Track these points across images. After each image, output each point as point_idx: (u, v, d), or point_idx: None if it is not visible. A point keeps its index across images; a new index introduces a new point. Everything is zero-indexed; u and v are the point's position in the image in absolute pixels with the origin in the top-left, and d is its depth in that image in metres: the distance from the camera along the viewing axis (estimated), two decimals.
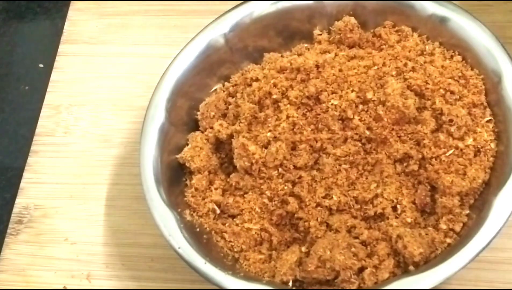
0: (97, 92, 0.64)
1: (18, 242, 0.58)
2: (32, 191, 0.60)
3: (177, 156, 0.54)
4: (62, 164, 0.61)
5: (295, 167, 0.50)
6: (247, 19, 0.56)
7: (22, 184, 0.60)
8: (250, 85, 0.55)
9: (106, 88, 0.65)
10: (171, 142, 0.54)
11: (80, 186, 0.60)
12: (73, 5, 0.70)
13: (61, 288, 0.55)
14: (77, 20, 0.69)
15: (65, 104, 0.64)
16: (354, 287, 0.46)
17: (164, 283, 0.54)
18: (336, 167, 0.50)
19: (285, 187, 0.50)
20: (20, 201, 0.60)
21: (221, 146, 0.55)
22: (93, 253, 0.56)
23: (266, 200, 0.51)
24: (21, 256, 0.57)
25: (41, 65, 0.67)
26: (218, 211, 0.52)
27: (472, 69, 0.52)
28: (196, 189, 0.52)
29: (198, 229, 0.51)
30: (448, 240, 0.48)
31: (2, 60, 0.69)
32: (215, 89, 0.57)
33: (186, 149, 0.54)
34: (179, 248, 0.48)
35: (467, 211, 0.49)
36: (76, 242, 0.57)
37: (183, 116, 0.55)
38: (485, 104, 0.51)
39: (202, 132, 0.55)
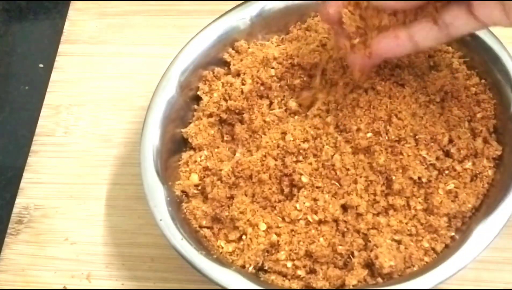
0: (97, 92, 0.64)
1: (18, 242, 0.58)
2: (32, 191, 0.60)
3: (182, 130, 0.54)
4: (62, 164, 0.61)
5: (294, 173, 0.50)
6: (270, 6, 0.56)
7: (22, 184, 0.60)
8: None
9: (106, 88, 0.65)
10: (178, 114, 0.54)
11: (80, 186, 0.60)
12: (73, 5, 0.70)
13: (61, 288, 0.55)
14: (77, 20, 0.69)
15: (65, 104, 0.64)
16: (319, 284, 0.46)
17: (164, 283, 0.54)
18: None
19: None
20: (20, 201, 0.60)
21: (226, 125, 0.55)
22: (93, 253, 0.56)
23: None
24: (21, 256, 0.57)
25: (41, 65, 0.67)
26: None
27: (485, 92, 0.51)
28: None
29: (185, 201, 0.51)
30: (427, 259, 0.47)
31: (2, 60, 0.69)
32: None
33: (191, 125, 0.54)
34: (160, 220, 0.48)
35: (453, 233, 0.48)
36: (76, 242, 0.57)
37: (194, 91, 0.55)
38: (491, 129, 0.50)
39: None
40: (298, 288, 0.47)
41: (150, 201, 0.49)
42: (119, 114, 0.63)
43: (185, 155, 0.53)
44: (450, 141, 0.49)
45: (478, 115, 0.50)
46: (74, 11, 0.70)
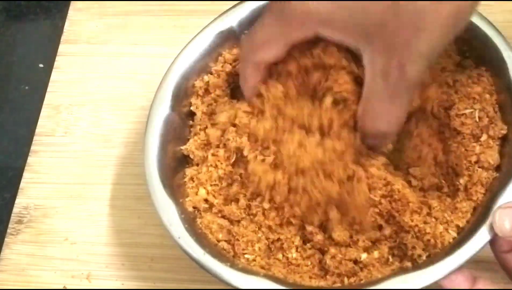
0: (97, 92, 0.65)
1: (18, 242, 0.58)
2: (32, 191, 0.60)
3: (182, 147, 0.53)
4: (62, 164, 0.61)
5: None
6: (256, 11, 0.55)
7: (22, 184, 0.60)
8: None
9: (106, 88, 0.65)
10: (177, 132, 0.53)
11: (80, 186, 0.60)
12: (73, 5, 0.70)
13: (61, 288, 0.55)
14: (77, 20, 0.69)
15: (65, 104, 0.64)
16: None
17: (164, 283, 0.54)
18: None
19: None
20: (20, 201, 0.60)
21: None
22: (93, 253, 0.56)
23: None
24: (21, 256, 0.57)
25: (41, 65, 0.67)
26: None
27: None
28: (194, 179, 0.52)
29: (198, 216, 0.51)
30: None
31: (2, 60, 0.69)
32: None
33: (191, 140, 0.54)
34: (179, 238, 0.47)
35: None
36: (76, 242, 0.57)
37: (188, 107, 0.55)
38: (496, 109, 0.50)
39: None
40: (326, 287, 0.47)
41: (165, 220, 0.48)
42: (119, 114, 0.63)
43: (189, 171, 0.53)
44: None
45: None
46: (74, 11, 0.70)
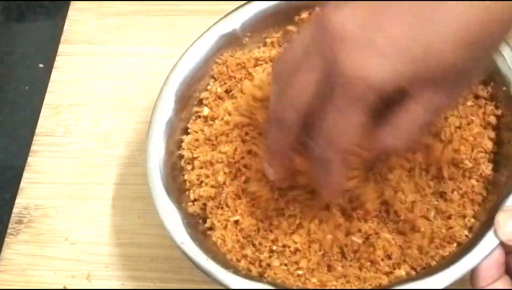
0: (97, 92, 0.64)
1: (18, 242, 0.58)
2: (32, 191, 0.60)
3: (183, 152, 0.53)
4: (62, 164, 0.61)
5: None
6: (259, 13, 0.55)
7: (22, 184, 0.60)
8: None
9: (106, 88, 0.65)
10: (179, 136, 0.53)
11: (80, 186, 0.60)
12: (73, 5, 0.70)
13: (61, 288, 0.55)
14: (77, 20, 0.69)
15: (65, 104, 0.64)
16: None
17: (164, 283, 0.54)
18: None
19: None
20: (20, 201, 0.60)
21: None
22: (93, 253, 0.56)
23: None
24: (21, 256, 0.57)
25: (41, 65, 0.67)
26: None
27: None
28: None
29: (200, 222, 0.50)
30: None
31: (2, 60, 0.69)
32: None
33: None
34: (181, 243, 0.47)
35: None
36: (76, 242, 0.57)
37: (192, 110, 0.55)
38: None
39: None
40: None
41: (167, 225, 0.48)
42: (119, 114, 0.63)
43: (189, 176, 0.52)
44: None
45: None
46: (74, 11, 0.70)
